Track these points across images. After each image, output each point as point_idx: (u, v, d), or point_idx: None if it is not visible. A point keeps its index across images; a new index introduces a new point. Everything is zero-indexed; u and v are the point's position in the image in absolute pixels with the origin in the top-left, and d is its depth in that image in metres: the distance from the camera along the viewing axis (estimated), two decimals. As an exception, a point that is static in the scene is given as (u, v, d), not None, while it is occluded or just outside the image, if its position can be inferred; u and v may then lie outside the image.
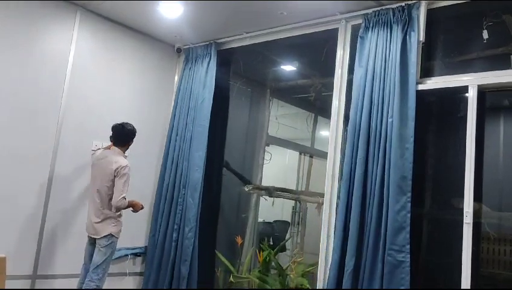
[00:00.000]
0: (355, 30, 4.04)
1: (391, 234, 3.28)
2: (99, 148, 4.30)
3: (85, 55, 4.58)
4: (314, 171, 5.88)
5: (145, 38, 5.10)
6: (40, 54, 4.26)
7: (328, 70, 4.21)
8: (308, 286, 4.38)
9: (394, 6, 3.69)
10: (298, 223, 5.91)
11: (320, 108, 5.71)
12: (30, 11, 4.18)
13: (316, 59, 5.08)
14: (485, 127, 3.50)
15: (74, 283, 4.16)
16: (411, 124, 3.39)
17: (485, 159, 3.45)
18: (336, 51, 4.10)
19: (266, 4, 4.03)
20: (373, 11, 3.80)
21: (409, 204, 3.28)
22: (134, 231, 4.84)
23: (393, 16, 3.67)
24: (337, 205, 3.82)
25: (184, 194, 4.81)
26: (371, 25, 3.79)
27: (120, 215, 4.06)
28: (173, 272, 4.69)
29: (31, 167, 4.17)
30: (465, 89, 3.40)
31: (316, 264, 4.06)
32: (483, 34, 3.55)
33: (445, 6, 3.63)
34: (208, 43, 5.10)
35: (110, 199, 3.93)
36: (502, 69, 3.30)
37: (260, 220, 5.67)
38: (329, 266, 3.72)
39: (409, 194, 3.29)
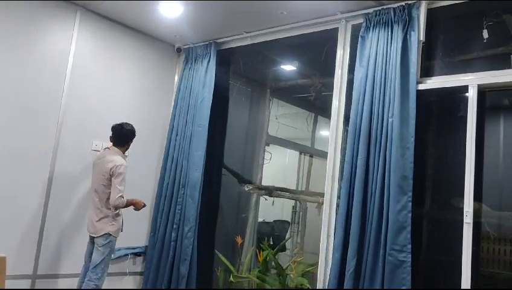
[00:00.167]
0: (355, 30, 4.04)
1: (392, 234, 3.28)
2: (106, 148, 4.30)
3: (85, 55, 4.58)
4: (314, 171, 5.88)
5: (145, 38, 5.10)
6: (40, 53, 4.26)
7: (328, 70, 4.21)
8: (308, 285, 4.38)
9: (395, 5, 3.68)
10: (298, 223, 5.91)
11: (320, 108, 5.71)
12: (30, 11, 4.17)
13: (316, 59, 5.08)
14: (485, 127, 3.50)
15: (74, 282, 4.17)
16: (412, 123, 3.39)
17: (485, 158, 3.45)
18: (336, 51, 4.10)
19: (266, 4, 4.03)
20: (374, 11, 3.80)
21: (410, 204, 3.27)
22: (134, 231, 4.84)
23: (394, 15, 3.67)
24: (337, 205, 3.82)
25: (183, 193, 4.81)
26: (372, 24, 3.79)
27: (118, 215, 4.07)
28: (172, 272, 4.70)
29: (31, 166, 4.17)
30: (465, 88, 3.40)
31: (316, 264, 4.06)
32: (483, 34, 3.55)
33: (445, 6, 3.63)
34: (207, 42, 5.10)
35: (108, 198, 3.96)
36: (502, 69, 3.30)
37: (260, 219, 5.67)
38: (329, 265, 3.72)
39: (410, 194, 3.28)
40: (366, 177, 3.53)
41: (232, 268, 4.78)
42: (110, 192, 3.95)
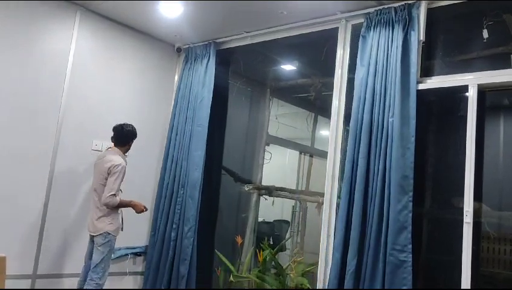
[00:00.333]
0: (355, 30, 4.04)
1: (393, 234, 3.27)
2: (108, 148, 4.31)
3: (85, 55, 4.58)
4: (314, 170, 5.88)
5: (145, 37, 5.10)
6: (40, 53, 4.26)
7: (328, 69, 4.20)
8: (308, 285, 4.38)
9: (396, 5, 3.68)
10: (298, 223, 5.91)
11: (320, 107, 5.71)
12: (30, 11, 4.17)
13: (316, 58, 5.08)
14: (485, 127, 3.50)
15: (74, 282, 4.17)
16: (412, 123, 3.39)
17: (485, 158, 3.45)
18: (336, 51, 4.10)
19: (266, 4, 4.03)
20: (375, 10, 3.79)
21: (411, 203, 3.27)
22: (135, 231, 4.84)
23: (395, 14, 3.66)
24: (337, 205, 3.82)
25: (183, 193, 4.81)
26: (373, 24, 3.78)
27: (117, 213, 4.07)
28: (172, 272, 4.70)
29: (31, 166, 4.17)
30: (465, 88, 3.40)
31: (316, 263, 4.07)
32: (483, 34, 3.55)
33: (445, 5, 3.62)
34: (207, 42, 5.10)
35: None
36: (502, 69, 3.30)
37: (260, 219, 5.67)
38: (329, 265, 3.72)
39: (411, 194, 3.28)
40: (367, 177, 3.53)
41: (232, 268, 4.78)
42: None
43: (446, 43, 4.01)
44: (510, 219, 4.26)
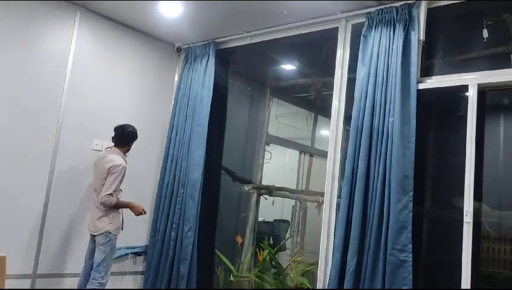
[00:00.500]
0: (355, 29, 4.04)
1: (393, 234, 3.27)
2: (108, 148, 4.31)
3: (85, 55, 4.58)
4: (314, 170, 5.88)
5: (145, 37, 5.10)
6: (40, 53, 4.26)
7: (328, 69, 4.20)
8: (308, 285, 4.38)
9: (397, 4, 3.68)
10: (298, 223, 5.91)
11: (320, 107, 5.71)
12: (30, 11, 4.17)
13: (316, 58, 5.08)
14: (485, 126, 3.50)
15: (75, 282, 4.18)
16: (412, 123, 3.39)
17: (485, 158, 3.45)
18: (336, 50, 4.09)
19: (266, 3, 4.03)
20: (376, 10, 3.79)
21: (411, 203, 3.27)
22: (135, 230, 4.83)
23: (397, 14, 3.66)
24: (337, 205, 3.82)
25: (183, 193, 4.81)
26: (374, 23, 3.78)
27: (118, 213, 4.08)
28: (172, 271, 4.70)
29: (31, 166, 4.17)
30: (465, 88, 3.39)
31: (316, 263, 4.07)
32: (483, 33, 3.55)
33: (445, 5, 3.62)
34: (206, 42, 5.10)
35: None
36: (502, 68, 3.30)
37: (260, 219, 5.68)
38: (329, 265, 3.72)
39: (411, 193, 3.28)
40: (367, 176, 3.53)
41: (232, 267, 4.78)
42: None
43: (446, 42, 4.01)
44: (510, 218, 4.27)
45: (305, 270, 4.54)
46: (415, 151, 3.34)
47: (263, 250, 4.77)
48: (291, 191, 5.64)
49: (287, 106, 6.18)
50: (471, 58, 3.82)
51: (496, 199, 4.32)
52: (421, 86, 3.54)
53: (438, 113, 4.10)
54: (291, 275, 4.54)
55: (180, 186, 4.85)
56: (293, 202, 6.11)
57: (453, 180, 3.49)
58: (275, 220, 6.15)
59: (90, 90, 4.60)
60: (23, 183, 4.11)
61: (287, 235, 6.05)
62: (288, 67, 5.80)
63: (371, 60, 3.72)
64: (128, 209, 4.17)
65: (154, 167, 5.18)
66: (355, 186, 3.58)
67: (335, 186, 3.90)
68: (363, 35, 3.84)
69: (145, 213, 4.25)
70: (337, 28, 4.13)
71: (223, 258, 4.82)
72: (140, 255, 5.03)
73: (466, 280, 3.11)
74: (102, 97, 4.71)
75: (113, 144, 4.22)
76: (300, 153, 6.24)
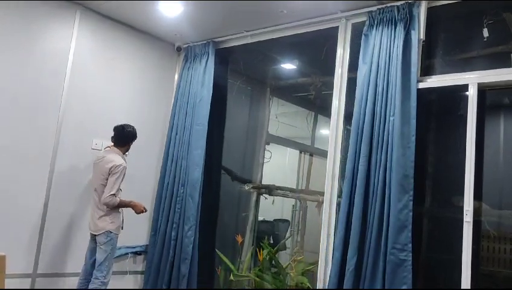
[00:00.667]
0: (355, 29, 4.03)
1: (393, 233, 3.27)
2: (107, 147, 4.31)
3: (85, 54, 4.57)
4: (314, 169, 5.88)
5: (145, 36, 5.10)
6: (40, 52, 4.26)
7: (328, 68, 4.20)
8: (308, 284, 4.39)
9: (398, 4, 3.67)
10: (298, 222, 5.91)
11: (320, 106, 5.71)
12: (30, 10, 4.17)
13: (316, 58, 5.08)
14: (485, 126, 3.50)
15: (75, 281, 4.18)
16: (412, 122, 3.39)
17: (485, 157, 3.45)
18: (336, 50, 4.09)
19: (266, 3, 4.02)
20: (377, 9, 3.79)
21: (411, 203, 3.27)
22: (135, 230, 4.84)
23: (398, 13, 3.65)
24: (337, 204, 3.82)
25: (183, 192, 4.81)
26: (375, 22, 3.78)
27: (118, 212, 4.09)
28: (173, 271, 4.70)
29: (31, 165, 4.17)
30: (465, 87, 3.39)
31: (316, 262, 4.07)
32: (483, 32, 3.55)
33: (445, 4, 3.62)
34: (205, 41, 5.10)
35: None
36: (502, 68, 3.29)
37: (260, 218, 5.68)
38: (329, 264, 3.72)
39: (411, 193, 3.28)
40: (368, 176, 3.53)
41: (232, 267, 4.79)
42: None
43: (446, 42, 4.01)
44: (510, 217, 4.27)
45: (305, 269, 4.54)
46: (415, 150, 3.34)
47: (263, 249, 4.78)
48: (291, 190, 5.64)
49: (287, 105, 6.18)
50: (471, 57, 3.82)
51: (496, 198, 4.32)
52: (421, 85, 3.54)
53: (438, 113, 4.10)
54: (291, 274, 4.54)
55: (180, 185, 4.85)
56: (293, 201, 6.11)
57: (453, 180, 3.49)
58: (275, 220, 6.15)
59: (90, 89, 4.60)
60: (23, 183, 4.11)
61: (287, 234, 6.05)
62: (288, 66, 5.80)
63: (372, 59, 3.71)
64: (128, 208, 4.18)
65: (154, 166, 5.18)
66: (355, 186, 3.57)
67: (335, 186, 3.91)
68: (364, 34, 3.83)
69: (146, 211, 4.28)
70: (337, 27, 4.13)
71: (223, 257, 4.82)
72: (140, 254, 5.03)
73: (466, 279, 3.11)
74: (102, 96, 4.70)
75: (112, 143, 4.22)
76: (301, 152, 6.24)
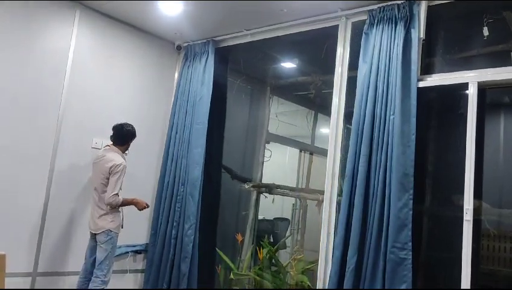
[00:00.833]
0: (355, 27, 4.03)
1: (393, 232, 3.27)
2: (106, 146, 4.31)
3: (85, 53, 4.57)
4: (314, 168, 5.88)
5: (145, 35, 5.10)
6: (40, 51, 4.25)
7: (328, 67, 4.20)
8: (308, 283, 4.39)
9: (399, 2, 3.67)
10: (298, 221, 5.91)
11: (320, 105, 5.71)
12: (30, 9, 4.16)
13: (316, 56, 5.08)
14: (485, 124, 3.50)
15: (75, 280, 4.18)
16: (412, 121, 3.39)
17: (485, 156, 3.45)
18: (336, 48, 4.09)
19: (266, 2, 4.02)
20: (378, 7, 3.78)
21: (411, 201, 3.27)
22: (135, 228, 4.84)
23: (398, 12, 3.65)
24: (337, 203, 3.82)
25: (183, 191, 4.81)
26: (376, 21, 3.77)
27: (118, 211, 4.09)
28: (173, 270, 4.70)
29: (31, 164, 4.17)
30: (465, 86, 3.39)
31: (316, 261, 4.07)
32: (483, 31, 3.54)
33: (445, 3, 3.62)
34: (205, 40, 5.09)
35: None
36: (502, 66, 3.29)
37: (260, 217, 5.68)
38: (329, 263, 3.73)
39: (411, 191, 3.28)
40: (368, 175, 3.53)
41: (232, 266, 4.79)
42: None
43: (446, 40, 4.01)
44: (510, 216, 4.27)
45: (305, 268, 4.55)
46: (415, 149, 3.34)
47: (263, 248, 4.78)
48: (291, 189, 5.64)
49: (287, 104, 6.18)
50: (471, 56, 3.82)
51: (496, 197, 4.32)
52: (421, 84, 3.54)
53: (438, 111, 4.10)
54: (291, 273, 4.54)
55: (180, 184, 4.85)
56: (293, 200, 6.12)
57: (453, 178, 3.49)
58: (275, 219, 6.16)
59: (90, 88, 4.60)
60: (23, 182, 4.11)
61: (287, 233, 6.06)
62: (288, 65, 5.80)
63: (372, 57, 3.71)
64: (129, 206, 4.19)
65: (154, 165, 5.18)
66: (355, 185, 3.57)
67: (335, 185, 3.91)
68: (365, 32, 3.83)
69: (148, 207, 4.33)
70: (337, 25, 4.13)
71: (223, 256, 4.83)
72: (140, 253, 5.03)
73: (466, 278, 3.11)
74: (102, 95, 4.70)
75: (111, 142, 4.22)
76: (301, 151, 6.24)
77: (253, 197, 5.41)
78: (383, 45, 3.67)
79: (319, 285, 3.82)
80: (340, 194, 3.80)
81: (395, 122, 3.42)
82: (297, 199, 5.91)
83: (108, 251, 3.99)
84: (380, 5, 3.78)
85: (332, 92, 4.06)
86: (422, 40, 3.60)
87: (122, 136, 4.21)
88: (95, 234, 4.04)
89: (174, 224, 4.77)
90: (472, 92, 3.33)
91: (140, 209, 4.24)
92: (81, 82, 4.52)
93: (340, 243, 3.57)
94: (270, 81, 5.81)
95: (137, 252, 5.00)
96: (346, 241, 3.54)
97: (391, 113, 3.47)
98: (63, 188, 4.36)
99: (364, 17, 3.89)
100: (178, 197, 4.82)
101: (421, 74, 3.58)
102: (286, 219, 6.22)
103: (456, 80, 3.48)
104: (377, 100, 3.60)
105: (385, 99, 3.55)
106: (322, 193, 4.04)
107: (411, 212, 3.26)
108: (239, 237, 5.03)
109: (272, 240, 5.67)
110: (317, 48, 4.72)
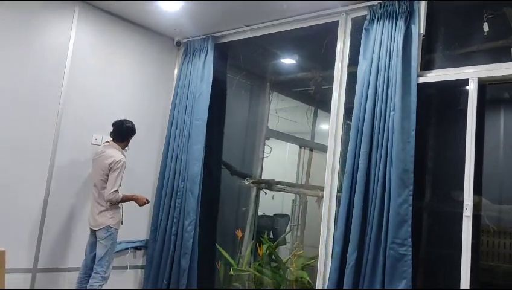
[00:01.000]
0: (355, 23, 4.02)
1: (393, 228, 3.27)
2: (106, 142, 4.31)
3: (84, 49, 4.56)
4: (314, 164, 5.89)
5: (145, 31, 5.08)
6: (40, 47, 4.24)
7: (328, 63, 4.19)
8: (308, 279, 4.40)
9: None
10: (298, 217, 5.92)
11: (320, 101, 5.70)
12: (30, 5, 4.15)
13: (316, 52, 5.06)
14: (485, 120, 3.50)
15: (75, 276, 4.18)
16: (412, 117, 3.38)
17: (485, 152, 3.45)
18: (336, 44, 4.08)
19: (266, -3, 4.02)
20: (378, 3, 3.77)
21: (411, 197, 3.27)
22: (135, 225, 4.84)
23: (399, 7, 3.64)
24: (337, 199, 3.82)
25: (183, 187, 4.81)
26: (376, 16, 3.76)
27: (118, 207, 4.10)
28: (173, 266, 4.70)
29: (31, 160, 4.17)
30: (465, 81, 3.39)
31: (316, 257, 4.07)
32: (483, 27, 3.54)
33: (445, -1, 3.62)
34: (205, 36, 5.09)
35: None
36: (502, 62, 3.28)
37: (260, 213, 5.68)
38: (329, 259, 3.73)
39: (411, 187, 3.28)
40: (368, 171, 3.52)
41: (232, 261, 4.79)
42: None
43: (446, 36, 4.00)
44: (510, 212, 4.27)
45: (305, 264, 4.55)
46: (415, 145, 3.34)
47: (263, 244, 4.78)
48: (291, 185, 5.65)
49: (287, 100, 6.18)
50: (471, 52, 3.81)
51: (495, 192, 4.32)
52: (421, 80, 3.53)
53: (438, 107, 4.10)
54: (291, 269, 4.55)
55: (180, 180, 4.85)
56: (293, 196, 6.12)
57: (453, 174, 3.49)
58: (274, 215, 6.16)
59: (89, 84, 4.59)
60: (23, 178, 4.11)
61: (287, 229, 6.06)
62: (288, 61, 5.79)
63: (373, 53, 3.70)
64: (129, 202, 4.20)
65: (154, 161, 5.18)
66: (355, 181, 3.57)
67: (335, 181, 3.91)
68: (365, 28, 3.82)
69: (148, 202, 4.35)
70: (337, 21, 4.12)
71: (223, 252, 4.83)
72: (140, 249, 5.04)
73: (466, 274, 3.12)
74: (102, 91, 4.70)
75: (111, 138, 4.22)
76: (300, 147, 6.24)
77: (253, 193, 5.42)
78: (383, 41, 3.66)
79: (319, 280, 3.82)
80: (340, 190, 3.80)
81: (395, 118, 3.41)
82: (297, 195, 5.91)
83: (108, 247, 4.00)
84: (381, 0, 3.77)
85: (332, 88, 4.05)
86: (423, 36, 3.60)
87: (122, 132, 4.21)
88: (95, 230, 4.05)
89: (174, 220, 4.78)
90: (472, 88, 3.32)
91: (140, 205, 4.25)
92: (81, 78, 4.52)
93: (340, 239, 3.57)
94: (269, 77, 5.80)
95: (137, 248, 5.00)
96: (346, 237, 3.54)
97: (391, 109, 3.47)
98: (63, 184, 4.36)
99: (365, 12, 3.89)
100: (178, 193, 4.83)
101: (421, 70, 3.57)
102: (286, 215, 6.23)
103: (456, 75, 3.47)
104: (377, 96, 3.60)
105: (385, 95, 3.54)
106: (321, 189, 4.03)
107: (411, 208, 3.26)
108: (239, 233, 5.04)
109: (271, 236, 5.68)
110: (317, 43, 4.70)
